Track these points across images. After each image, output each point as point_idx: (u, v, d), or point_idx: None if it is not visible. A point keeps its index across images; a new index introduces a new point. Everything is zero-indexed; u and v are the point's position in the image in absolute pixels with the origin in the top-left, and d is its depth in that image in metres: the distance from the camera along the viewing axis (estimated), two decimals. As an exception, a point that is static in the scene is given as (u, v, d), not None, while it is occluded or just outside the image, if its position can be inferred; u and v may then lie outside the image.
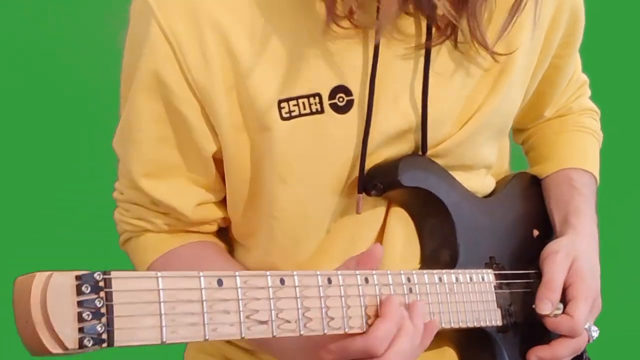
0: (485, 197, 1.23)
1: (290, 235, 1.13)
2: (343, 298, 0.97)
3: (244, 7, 1.06)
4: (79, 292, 0.77)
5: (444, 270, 1.10)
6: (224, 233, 1.22)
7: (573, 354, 1.18)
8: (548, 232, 1.26)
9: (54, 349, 0.76)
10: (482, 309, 1.14)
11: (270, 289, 0.91)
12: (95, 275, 0.78)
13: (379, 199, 1.14)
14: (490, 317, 1.14)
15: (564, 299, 1.17)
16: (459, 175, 1.17)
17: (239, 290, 0.88)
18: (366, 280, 1.00)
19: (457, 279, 1.11)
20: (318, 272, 0.96)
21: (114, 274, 0.79)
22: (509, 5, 1.10)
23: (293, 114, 1.08)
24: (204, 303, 0.85)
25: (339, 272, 0.98)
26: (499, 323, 1.16)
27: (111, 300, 0.78)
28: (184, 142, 1.11)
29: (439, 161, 1.15)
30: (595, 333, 1.19)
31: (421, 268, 1.14)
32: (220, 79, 1.07)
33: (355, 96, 1.09)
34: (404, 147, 1.13)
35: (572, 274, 1.18)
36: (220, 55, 1.06)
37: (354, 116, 1.09)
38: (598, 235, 1.26)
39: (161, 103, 1.09)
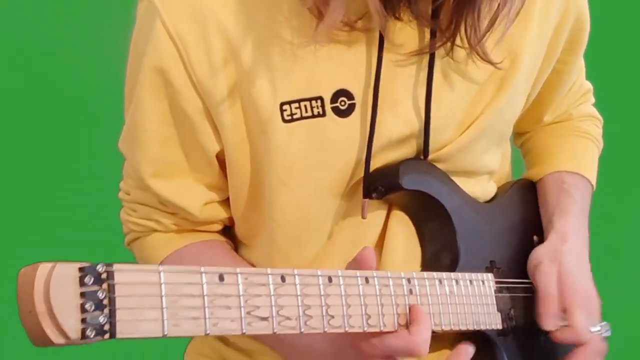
0: (487, 202, 1.24)
1: (291, 239, 1.14)
2: (343, 297, 0.98)
3: (247, 9, 1.08)
4: (82, 283, 0.78)
5: (444, 273, 1.10)
6: (228, 232, 1.23)
7: (598, 358, 1.18)
8: (548, 238, 1.27)
9: (57, 339, 0.76)
10: (482, 312, 1.14)
11: (271, 286, 0.92)
12: (98, 267, 0.79)
13: (379, 202, 1.15)
14: (491, 320, 1.15)
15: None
16: (460, 181, 1.18)
17: (240, 286, 0.89)
18: (366, 280, 1.01)
19: (457, 282, 1.11)
20: (318, 271, 0.97)
21: (116, 266, 0.80)
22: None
23: (295, 116, 1.09)
24: (206, 298, 0.85)
25: (339, 272, 0.99)
26: (499, 327, 1.16)
27: (113, 292, 0.79)
28: (189, 142, 1.12)
29: (440, 166, 1.16)
30: (607, 331, 1.19)
31: (422, 271, 1.15)
32: (223, 80, 1.08)
33: (357, 100, 1.10)
34: (406, 151, 1.14)
35: (561, 281, 1.18)
36: (224, 56, 1.07)
37: (355, 120, 1.10)
38: (587, 235, 1.26)
39: (166, 102, 1.10)
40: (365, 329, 0.99)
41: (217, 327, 0.86)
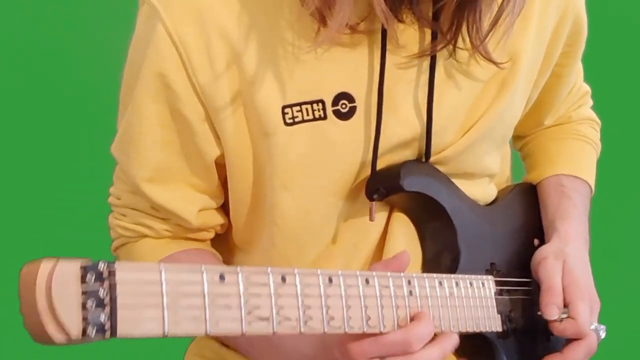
0: (487, 205, 1.24)
1: (292, 242, 1.14)
2: (344, 298, 0.98)
3: (249, 13, 1.07)
4: (84, 281, 0.77)
5: (444, 275, 1.10)
6: (222, 239, 1.23)
7: (587, 357, 1.18)
8: (548, 241, 1.27)
9: (58, 336, 0.76)
10: (482, 314, 1.14)
11: (272, 285, 0.91)
12: (100, 265, 0.79)
13: (380, 204, 1.15)
14: (491, 323, 1.15)
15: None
16: (461, 183, 1.19)
17: (241, 285, 0.89)
18: (367, 281, 1.01)
19: (457, 284, 1.11)
20: (319, 271, 0.97)
21: (118, 264, 0.80)
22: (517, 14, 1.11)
23: (296, 119, 1.09)
24: (206, 297, 0.85)
25: (339, 272, 0.99)
26: (499, 329, 1.17)
27: (115, 291, 0.79)
28: (187, 147, 1.12)
29: (442, 168, 1.16)
30: (603, 332, 1.19)
31: (422, 272, 1.15)
32: (225, 84, 1.08)
33: (358, 103, 1.10)
34: (407, 154, 1.14)
35: (565, 275, 1.18)
36: (226, 60, 1.07)
37: (357, 123, 1.10)
38: (588, 239, 1.27)
39: (165, 106, 1.09)
40: (365, 330, 0.99)
41: (217, 326, 0.86)
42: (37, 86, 2.04)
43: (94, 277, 0.78)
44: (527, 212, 1.28)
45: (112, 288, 0.79)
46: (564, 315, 1.16)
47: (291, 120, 1.08)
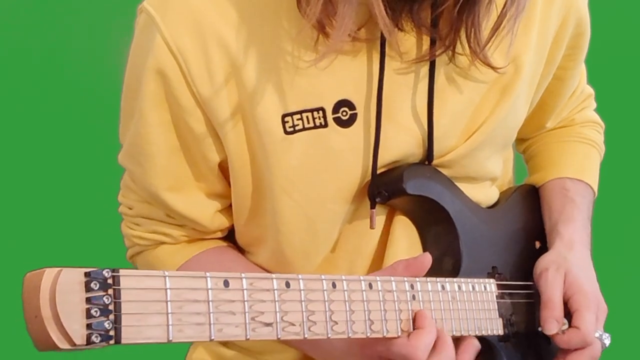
0: (489, 207, 1.23)
1: (298, 249, 1.14)
2: (347, 303, 0.98)
3: (248, 23, 1.07)
4: (88, 288, 0.78)
5: (446, 279, 1.10)
6: (229, 240, 1.23)
7: None
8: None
9: (62, 344, 0.76)
10: (483, 317, 1.14)
11: (276, 291, 0.91)
12: (104, 272, 0.79)
13: (382, 207, 1.14)
14: (492, 326, 1.15)
15: (568, 313, 1.17)
16: (463, 186, 1.18)
17: (245, 291, 0.89)
18: (370, 286, 1.01)
19: (459, 288, 1.11)
20: (323, 276, 0.97)
21: (122, 271, 0.80)
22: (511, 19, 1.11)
23: (297, 127, 1.08)
24: (210, 303, 0.85)
25: (343, 277, 0.99)
26: (501, 332, 1.16)
27: (119, 298, 0.79)
28: (193, 152, 1.12)
29: (444, 172, 1.16)
30: (607, 340, 1.18)
31: (424, 276, 1.15)
32: (224, 93, 1.08)
33: (359, 110, 1.10)
34: (409, 159, 1.14)
35: (569, 286, 1.18)
36: (224, 69, 1.07)
37: (357, 130, 1.10)
38: (590, 243, 1.26)
39: (168, 113, 1.10)
40: (369, 334, 0.99)
41: (221, 332, 0.86)
42: (41, 90, 2.03)
43: (98, 284, 0.78)
44: (528, 215, 1.28)
45: (116, 295, 0.79)
46: (565, 327, 1.16)
47: (291, 129, 1.08)
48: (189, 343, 1.28)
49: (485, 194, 1.23)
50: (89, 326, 0.77)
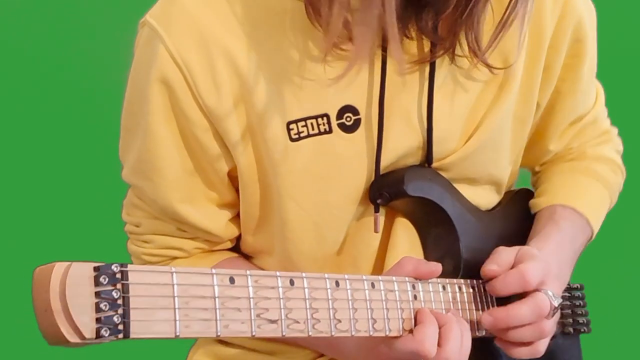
0: (488, 210, 1.24)
1: (306, 255, 1.15)
2: (350, 301, 0.99)
3: (249, 31, 1.08)
4: (97, 282, 0.78)
5: (447, 279, 1.11)
6: (232, 248, 1.24)
7: (533, 318, 1.09)
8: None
9: (72, 337, 0.77)
10: None
11: (280, 289, 0.92)
12: (113, 267, 0.79)
13: (383, 209, 1.15)
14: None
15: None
16: (462, 188, 1.19)
17: (250, 288, 0.90)
18: (372, 285, 1.02)
19: (460, 289, 1.12)
20: (326, 275, 0.98)
21: (130, 266, 0.80)
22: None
23: (302, 134, 1.10)
24: (217, 300, 0.86)
25: (346, 276, 1.00)
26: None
27: (127, 293, 0.80)
28: (202, 163, 1.13)
29: (444, 174, 1.17)
30: (556, 301, 1.10)
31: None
32: (230, 103, 1.09)
33: (362, 115, 1.11)
34: (411, 161, 1.15)
35: (520, 255, 1.12)
36: (230, 80, 1.08)
37: (362, 135, 1.11)
38: (567, 274, 1.23)
39: (175, 124, 1.10)
40: (372, 333, 1.00)
41: (227, 329, 0.87)
42: (44, 94, 2.04)
43: (107, 278, 0.79)
44: (527, 218, 1.28)
45: (125, 289, 0.80)
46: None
47: (296, 136, 1.09)
48: (189, 345, 1.29)
49: (484, 197, 1.23)
50: (98, 320, 0.78)
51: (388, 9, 1.02)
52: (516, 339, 1.11)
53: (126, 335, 0.79)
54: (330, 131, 1.10)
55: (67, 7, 2.03)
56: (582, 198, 1.27)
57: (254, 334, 0.89)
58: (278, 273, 0.93)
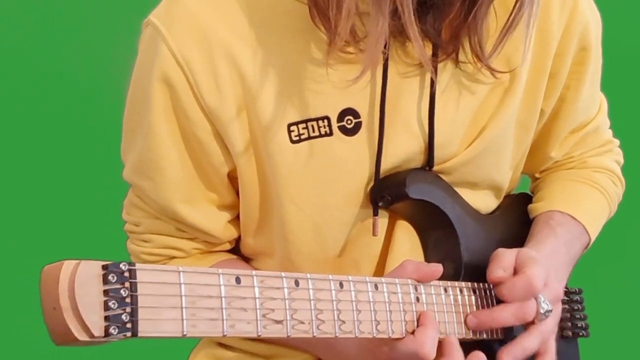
0: (489, 214, 1.25)
1: (307, 257, 1.15)
2: (354, 303, 0.99)
3: (252, 33, 1.09)
4: (105, 281, 0.78)
5: (448, 282, 1.11)
6: (232, 250, 1.24)
7: (517, 321, 1.11)
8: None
9: (81, 336, 0.77)
10: None
11: (286, 289, 0.93)
12: (121, 265, 0.79)
13: (384, 212, 1.15)
14: (493, 329, 1.16)
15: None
16: (463, 192, 1.19)
17: (256, 289, 0.90)
18: (375, 287, 1.02)
19: (461, 291, 1.13)
20: (330, 277, 0.98)
21: (138, 265, 0.80)
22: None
23: (302, 136, 1.10)
24: (223, 299, 0.86)
25: (350, 278, 1.00)
26: (501, 336, 1.17)
27: (135, 291, 0.80)
28: (202, 164, 1.13)
29: (445, 178, 1.17)
30: (545, 304, 1.11)
31: (427, 281, 1.16)
32: (232, 104, 1.09)
33: (363, 118, 1.11)
34: (410, 165, 1.15)
35: (520, 259, 1.13)
36: (232, 80, 1.08)
37: (362, 138, 1.11)
38: (562, 280, 1.23)
39: (177, 125, 1.11)
40: (375, 334, 1.00)
41: (234, 328, 0.87)
42: (47, 94, 2.04)
43: (115, 277, 0.79)
44: (527, 222, 1.29)
45: (133, 288, 0.80)
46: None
47: (297, 138, 1.10)
48: (190, 347, 1.28)
49: (484, 201, 1.23)
50: (106, 318, 0.78)
51: (406, 10, 1.02)
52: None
53: (134, 334, 0.79)
54: (330, 134, 1.10)
55: (68, 7, 2.03)
56: (580, 206, 1.28)
57: (259, 334, 0.89)
58: (283, 274, 0.93)
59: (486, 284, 1.16)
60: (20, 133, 2.03)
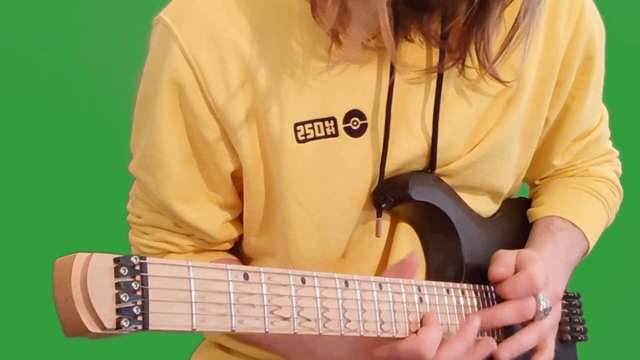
0: (489, 217, 1.25)
1: (306, 257, 1.15)
2: (359, 302, 0.99)
3: (260, 31, 1.10)
4: (117, 274, 0.79)
5: (450, 283, 1.12)
6: (233, 250, 1.24)
7: (518, 319, 1.12)
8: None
9: (93, 327, 0.77)
10: None
11: (293, 286, 0.93)
12: (132, 258, 0.80)
13: (386, 215, 1.16)
14: (494, 331, 1.16)
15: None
16: (463, 196, 1.20)
17: (264, 285, 0.90)
18: (380, 286, 1.02)
19: (463, 293, 1.13)
20: (336, 275, 0.98)
21: (149, 259, 0.81)
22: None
23: (308, 136, 1.11)
24: (232, 295, 0.87)
25: (355, 277, 1.00)
26: (502, 338, 1.18)
27: (146, 285, 0.80)
28: (205, 163, 1.14)
29: (446, 181, 1.18)
30: (544, 302, 1.13)
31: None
32: (240, 102, 1.10)
33: (369, 120, 1.12)
34: (412, 167, 1.15)
35: (520, 260, 1.14)
36: (240, 79, 1.09)
37: (367, 140, 1.12)
38: (562, 283, 1.23)
39: (182, 123, 1.11)
40: (379, 334, 1.01)
41: (242, 324, 0.87)
42: (53, 94, 2.04)
43: (127, 270, 0.79)
44: (527, 226, 1.29)
45: (144, 281, 0.80)
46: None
47: (303, 138, 1.10)
48: (191, 350, 1.28)
49: (483, 205, 1.24)
50: (118, 311, 0.78)
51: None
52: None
53: (145, 327, 0.79)
54: (336, 134, 1.11)
55: (68, 7, 2.04)
56: (581, 213, 1.29)
57: (267, 330, 0.90)
58: (290, 271, 0.94)
59: (487, 286, 1.17)
60: (21, 131, 2.03)
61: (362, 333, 0.99)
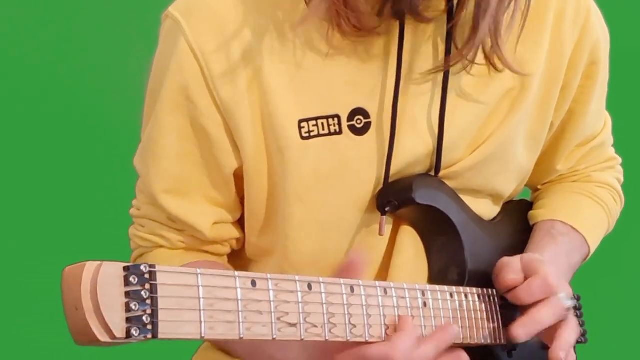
0: (491, 220, 1.25)
1: (305, 256, 1.15)
2: (364, 307, 0.99)
3: (268, 28, 1.10)
4: (127, 282, 0.78)
5: (453, 287, 1.12)
6: (237, 254, 1.24)
7: (554, 319, 1.11)
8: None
9: (103, 337, 0.77)
10: (488, 327, 1.15)
11: (299, 293, 0.93)
12: (142, 267, 0.80)
13: (389, 217, 1.16)
14: (496, 335, 1.17)
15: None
16: (464, 199, 1.20)
17: (271, 292, 0.90)
18: (385, 291, 1.02)
19: (466, 296, 1.13)
20: (342, 281, 0.98)
21: (158, 267, 0.81)
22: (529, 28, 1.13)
23: (312, 133, 1.10)
24: (240, 302, 0.87)
25: (360, 282, 1.00)
26: (505, 342, 1.18)
27: (156, 293, 0.80)
28: (206, 160, 1.13)
29: (448, 183, 1.18)
30: (567, 301, 1.11)
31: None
32: (245, 98, 1.10)
33: (373, 118, 1.12)
34: (419, 168, 1.16)
35: (527, 264, 1.13)
36: (246, 74, 1.09)
37: (371, 138, 1.12)
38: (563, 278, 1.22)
39: (186, 119, 1.11)
40: (384, 339, 1.01)
41: (250, 331, 0.87)
42: (63, 93, 2.03)
43: (137, 279, 0.79)
44: (529, 229, 1.29)
45: (153, 290, 0.80)
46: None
47: (307, 135, 1.10)
48: (191, 352, 1.28)
49: (484, 208, 1.24)
50: (128, 320, 0.78)
51: None
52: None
53: (154, 336, 0.79)
54: (340, 132, 1.11)
55: (68, 7, 2.03)
56: (582, 218, 1.28)
57: (274, 337, 0.90)
58: (297, 277, 0.94)
59: (489, 290, 1.17)
60: (23, 130, 2.02)
61: (367, 338, 0.99)
